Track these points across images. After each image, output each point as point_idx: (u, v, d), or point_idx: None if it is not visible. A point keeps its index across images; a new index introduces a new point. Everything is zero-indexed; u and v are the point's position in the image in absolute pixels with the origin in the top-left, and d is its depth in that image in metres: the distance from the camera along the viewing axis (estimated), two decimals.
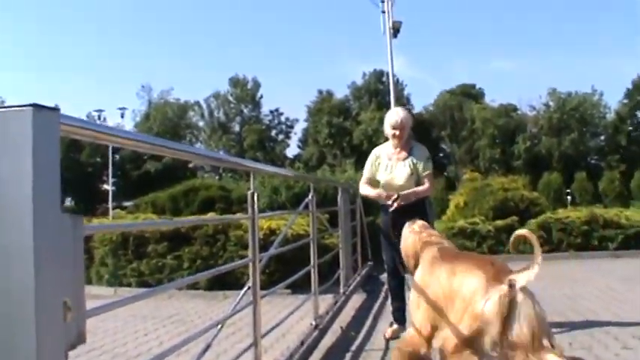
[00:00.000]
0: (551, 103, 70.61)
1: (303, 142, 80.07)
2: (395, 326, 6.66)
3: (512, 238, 4.35)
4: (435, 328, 4.23)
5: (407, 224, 5.28)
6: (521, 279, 3.77)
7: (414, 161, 6.47)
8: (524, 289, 3.75)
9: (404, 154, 6.51)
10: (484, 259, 4.37)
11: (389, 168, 6.52)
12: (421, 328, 4.33)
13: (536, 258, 3.86)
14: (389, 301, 7.00)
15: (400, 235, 6.49)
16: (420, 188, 6.44)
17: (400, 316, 6.68)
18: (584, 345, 5.82)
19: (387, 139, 6.78)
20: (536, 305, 3.78)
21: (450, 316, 3.95)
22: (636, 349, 5.62)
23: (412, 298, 4.54)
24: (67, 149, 60.29)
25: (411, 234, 5.09)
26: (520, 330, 3.59)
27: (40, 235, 1.68)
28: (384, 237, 6.71)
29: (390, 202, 6.30)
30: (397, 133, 6.46)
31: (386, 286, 9.57)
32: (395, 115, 6.61)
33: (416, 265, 4.79)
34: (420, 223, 5.25)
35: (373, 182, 6.66)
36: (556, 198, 26.87)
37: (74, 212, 1.88)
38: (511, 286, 3.73)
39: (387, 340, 6.39)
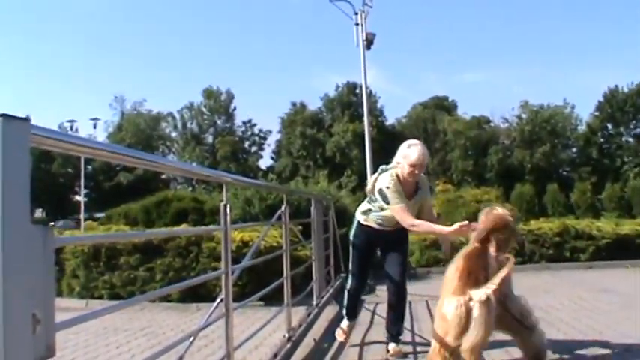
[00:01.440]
0: (523, 116, 71.14)
1: (277, 154, 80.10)
2: (349, 322, 6.90)
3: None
4: None
5: None
6: (475, 295, 4.75)
7: (422, 196, 6.39)
8: (481, 302, 4.73)
9: (412, 189, 6.29)
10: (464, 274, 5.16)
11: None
12: None
13: (495, 279, 4.84)
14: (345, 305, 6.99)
15: (375, 252, 6.65)
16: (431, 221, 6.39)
17: (355, 314, 7.04)
18: (555, 356, 5.85)
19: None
20: (487, 316, 4.71)
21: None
22: (607, 359, 5.66)
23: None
24: (38, 160, 59.89)
25: None
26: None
27: (9, 247, 1.66)
28: (359, 250, 6.69)
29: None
30: (416, 172, 6.12)
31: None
32: (417, 152, 6.11)
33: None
34: None
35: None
36: (528, 209, 26.99)
37: (45, 224, 1.85)
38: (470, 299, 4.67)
39: (346, 341, 6.63)
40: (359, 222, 6.65)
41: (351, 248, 6.85)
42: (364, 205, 6.63)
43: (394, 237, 6.43)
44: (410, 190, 6.24)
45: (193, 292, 9.95)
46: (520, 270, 13.57)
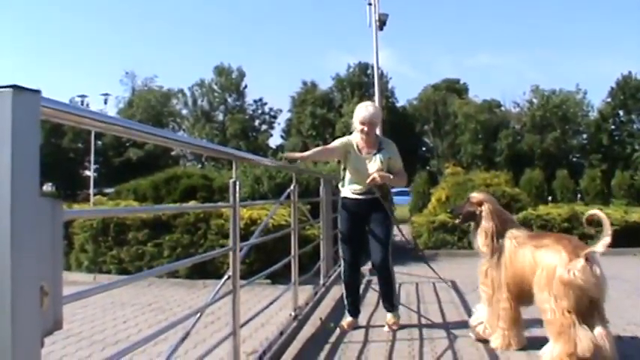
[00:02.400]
0: (534, 100, 70.81)
1: (287, 133, 80.00)
2: (349, 319, 6.73)
3: (585, 218, 5.57)
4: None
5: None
6: (598, 248, 5.02)
7: (386, 156, 6.43)
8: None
9: (373, 149, 6.45)
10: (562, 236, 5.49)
11: (358, 161, 6.45)
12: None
13: (606, 231, 5.10)
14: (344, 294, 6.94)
15: (361, 229, 6.57)
16: (396, 177, 6.45)
17: (355, 310, 6.83)
18: None
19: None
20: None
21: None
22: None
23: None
24: (49, 134, 59.94)
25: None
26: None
27: (17, 219, 1.65)
28: (345, 235, 6.70)
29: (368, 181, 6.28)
30: (365, 129, 6.36)
31: (366, 278, 9.62)
32: (364, 110, 6.42)
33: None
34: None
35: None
36: (537, 195, 26.86)
37: (54, 197, 1.85)
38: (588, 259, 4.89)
39: (346, 331, 6.47)
40: (340, 197, 6.78)
41: (339, 233, 6.92)
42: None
43: (375, 210, 6.46)
44: (370, 149, 6.46)
45: (201, 268, 9.97)
46: None
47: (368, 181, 6.26)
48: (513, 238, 5.52)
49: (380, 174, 6.23)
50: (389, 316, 6.61)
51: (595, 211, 5.34)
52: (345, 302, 6.86)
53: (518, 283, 5.39)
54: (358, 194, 6.48)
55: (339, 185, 6.80)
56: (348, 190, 6.58)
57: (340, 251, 6.91)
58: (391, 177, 6.37)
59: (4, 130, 1.64)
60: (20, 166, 1.67)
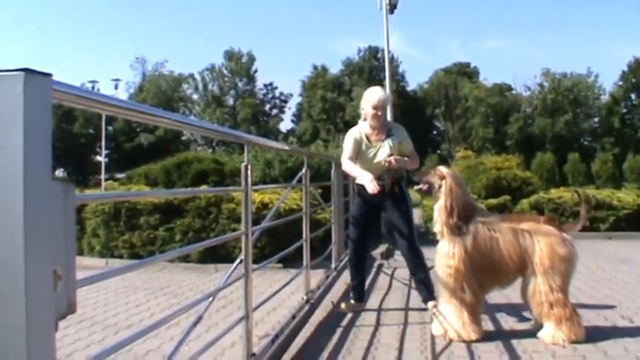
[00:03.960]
0: (545, 84, 70.47)
1: (297, 117, 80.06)
2: (351, 301, 6.71)
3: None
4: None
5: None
6: (578, 227, 5.66)
7: (395, 141, 6.37)
8: None
9: (382, 135, 6.38)
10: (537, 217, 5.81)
11: (368, 150, 6.40)
12: None
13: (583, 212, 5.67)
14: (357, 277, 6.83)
15: (373, 214, 6.53)
16: (410, 160, 6.42)
17: (359, 293, 6.78)
18: None
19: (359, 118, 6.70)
20: None
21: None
22: (625, 329, 5.63)
23: None
24: (60, 120, 60.10)
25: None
26: None
27: (30, 203, 1.65)
28: (357, 219, 6.67)
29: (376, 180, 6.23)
30: (379, 113, 6.31)
31: (377, 262, 9.62)
32: (375, 95, 6.39)
33: None
34: None
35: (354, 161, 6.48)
36: (549, 178, 26.83)
37: (66, 182, 1.84)
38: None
39: (345, 312, 6.46)
40: (354, 184, 6.73)
41: (351, 219, 6.90)
42: None
43: (391, 197, 6.41)
44: (379, 135, 6.39)
45: (212, 253, 10.00)
46: None
47: (384, 162, 6.23)
48: (484, 223, 5.35)
49: (395, 157, 6.20)
50: (431, 304, 6.33)
51: (578, 190, 5.47)
52: (350, 284, 6.86)
53: (497, 269, 5.33)
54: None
55: None
56: None
57: (350, 233, 6.89)
58: (406, 160, 6.34)
59: (16, 114, 1.63)
60: (32, 149, 1.66)
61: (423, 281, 6.51)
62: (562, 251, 5.02)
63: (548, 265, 5.07)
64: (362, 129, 6.46)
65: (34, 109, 1.67)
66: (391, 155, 6.21)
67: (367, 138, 6.38)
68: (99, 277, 2.34)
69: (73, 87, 1.99)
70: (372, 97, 6.36)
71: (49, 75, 1.77)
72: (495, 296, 6.71)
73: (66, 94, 1.94)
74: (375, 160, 6.32)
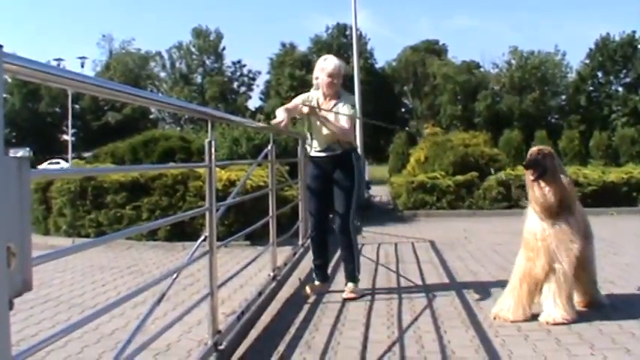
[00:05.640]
0: (513, 61, 70.87)
1: (265, 95, 79.91)
2: (316, 282, 6.57)
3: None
4: None
5: None
6: None
7: (346, 108, 6.27)
8: None
9: (333, 102, 6.31)
10: None
11: (318, 117, 6.33)
12: None
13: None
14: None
15: (327, 187, 6.40)
16: (335, 123, 6.22)
17: (321, 274, 6.62)
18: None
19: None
20: None
21: None
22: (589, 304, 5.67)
23: None
24: (25, 98, 59.47)
25: None
26: None
27: None
28: (311, 190, 6.60)
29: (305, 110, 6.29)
30: (335, 81, 6.29)
31: None
32: (332, 62, 6.36)
33: None
34: None
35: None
36: (516, 155, 26.96)
37: (21, 157, 1.78)
38: None
39: (308, 296, 6.30)
40: (309, 155, 6.69)
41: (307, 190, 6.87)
42: None
43: (338, 169, 6.28)
44: (330, 102, 6.35)
45: (180, 231, 9.96)
46: (507, 214, 13.66)
47: (290, 106, 6.29)
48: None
49: (310, 106, 6.23)
50: (348, 285, 6.28)
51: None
52: (312, 265, 6.74)
53: None
54: (319, 151, 6.39)
55: (306, 145, 6.72)
56: (312, 148, 6.50)
57: (308, 206, 6.85)
58: (328, 116, 6.24)
59: None
60: None
61: (345, 260, 6.45)
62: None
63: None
64: (314, 95, 6.45)
65: None
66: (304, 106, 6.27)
67: (318, 105, 6.33)
68: (57, 254, 2.30)
69: (27, 59, 1.95)
70: (327, 64, 6.35)
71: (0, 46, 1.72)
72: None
73: (19, 67, 1.90)
74: (324, 128, 6.27)
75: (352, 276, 6.33)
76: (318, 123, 6.31)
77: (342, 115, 6.23)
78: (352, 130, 6.48)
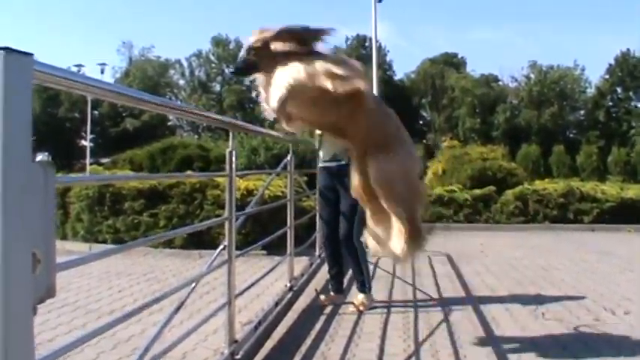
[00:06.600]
0: (532, 76, 70.59)
1: None
2: (332, 293, 6.57)
3: None
4: None
5: None
6: None
7: None
8: None
9: None
10: None
11: None
12: None
13: None
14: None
15: (337, 196, 6.35)
16: None
17: (338, 284, 6.61)
18: (557, 316, 5.84)
19: None
20: None
21: None
22: (606, 321, 5.65)
23: None
24: (45, 103, 59.77)
25: None
26: None
27: (9, 184, 1.62)
28: (321, 198, 6.66)
29: None
30: None
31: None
32: None
33: None
34: None
35: None
36: (534, 170, 26.91)
37: (47, 164, 1.81)
38: None
39: (324, 307, 6.28)
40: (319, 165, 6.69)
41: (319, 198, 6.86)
42: None
43: (344, 178, 6.04)
44: None
45: (197, 239, 9.98)
46: (524, 229, 13.62)
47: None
48: None
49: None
50: (358, 296, 6.26)
51: None
52: (328, 275, 6.76)
53: None
54: (326, 161, 6.42)
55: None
56: (320, 159, 6.55)
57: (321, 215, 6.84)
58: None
59: None
60: (12, 130, 1.63)
61: (355, 271, 6.37)
62: None
63: None
64: None
65: (14, 88, 1.64)
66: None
67: None
68: (79, 261, 2.32)
69: (55, 67, 1.96)
70: None
71: (30, 55, 1.74)
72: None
73: (47, 75, 1.92)
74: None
75: (361, 287, 6.31)
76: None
77: None
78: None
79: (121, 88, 2.89)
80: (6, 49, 1.63)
